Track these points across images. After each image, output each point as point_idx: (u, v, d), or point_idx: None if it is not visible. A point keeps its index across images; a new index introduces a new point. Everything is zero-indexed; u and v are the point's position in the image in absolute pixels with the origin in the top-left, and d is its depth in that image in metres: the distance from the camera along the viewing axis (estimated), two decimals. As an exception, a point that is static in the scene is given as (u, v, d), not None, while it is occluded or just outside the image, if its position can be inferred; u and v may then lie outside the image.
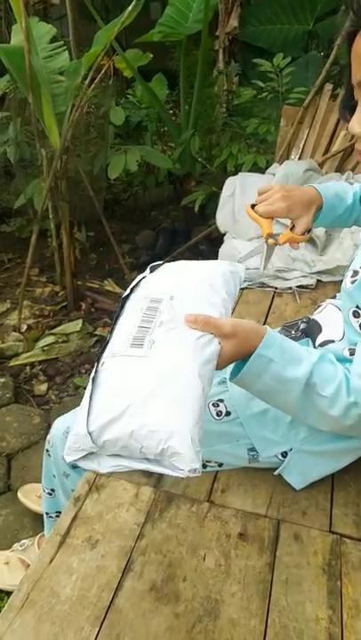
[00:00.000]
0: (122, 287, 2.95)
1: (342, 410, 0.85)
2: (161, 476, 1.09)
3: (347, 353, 0.96)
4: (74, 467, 1.17)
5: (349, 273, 0.95)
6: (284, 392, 0.86)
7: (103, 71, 2.34)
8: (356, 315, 0.90)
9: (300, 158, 2.59)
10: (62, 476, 1.20)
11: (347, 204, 1.14)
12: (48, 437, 1.20)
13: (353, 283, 0.91)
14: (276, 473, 1.05)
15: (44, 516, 1.35)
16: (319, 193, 1.10)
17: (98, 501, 1.04)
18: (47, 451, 1.22)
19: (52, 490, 1.27)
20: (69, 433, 0.75)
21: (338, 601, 0.88)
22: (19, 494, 1.64)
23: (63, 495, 1.25)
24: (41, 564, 0.92)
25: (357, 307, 0.90)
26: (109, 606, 0.86)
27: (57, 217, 2.58)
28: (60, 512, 1.30)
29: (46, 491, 1.29)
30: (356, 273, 0.92)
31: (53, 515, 1.32)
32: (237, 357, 0.85)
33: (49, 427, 1.95)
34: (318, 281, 1.91)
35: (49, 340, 2.47)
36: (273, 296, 1.85)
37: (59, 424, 1.16)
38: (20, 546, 1.44)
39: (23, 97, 2.38)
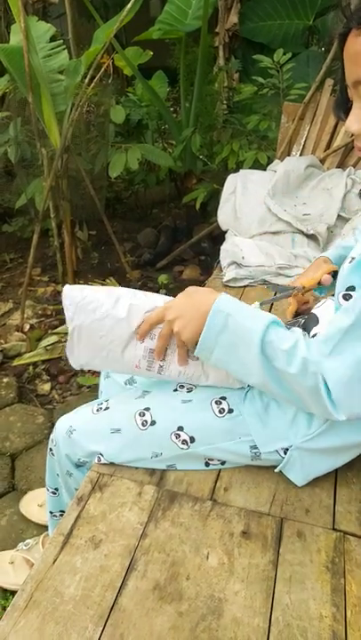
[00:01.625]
0: (124, 285, 2.94)
1: (300, 365, 0.85)
2: (164, 475, 1.10)
3: None
4: (77, 465, 1.17)
5: (348, 259, 0.94)
6: (244, 348, 0.89)
7: (103, 69, 2.34)
8: (346, 298, 0.88)
9: (301, 154, 2.58)
10: (66, 475, 1.21)
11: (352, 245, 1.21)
12: (51, 436, 1.20)
13: (350, 263, 0.90)
14: (276, 470, 1.05)
15: (48, 515, 1.35)
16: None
17: (101, 501, 1.04)
18: (50, 450, 1.22)
19: (56, 489, 1.28)
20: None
21: (342, 599, 0.88)
22: (20, 505, 1.64)
23: (67, 494, 1.25)
24: (44, 564, 0.92)
25: (348, 288, 0.87)
26: (113, 606, 0.86)
27: (58, 216, 2.58)
28: (63, 511, 1.30)
29: (50, 490, 1.29)
30: (353, 259, 0.91)
31: (57, 514, 1.32)
32: (192, 311, 0.93)
33: (52, 426, 1.96)
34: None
35: (52, 339, 2.47)
36: (275, 293, 1.84)
37: (62, 423, 1.16)
38: (25, 545, 1.45)
39: (23, 96, 2.38)
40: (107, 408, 1.12)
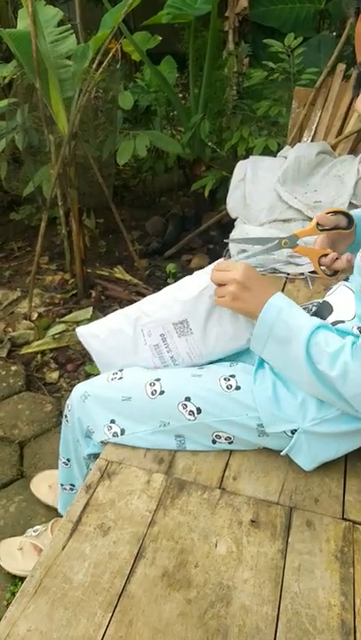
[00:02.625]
0: (131, 274, 2.94)
1: (341, 370, 0.88)
2: (172, 463, 1.10)
3: (356, 330, 0.96)
4: (86, 435, 1.20)
5: None
6: (292, 345, 0.93)
7: (111, 55, 2.31)
8: None
9: (312, 140, 2.55)
10: (76, 443, 1.24)
11: None
12: (67, 402, 1.23)
13: None
14: (283, 453, 1.05)
15: (59, 487, 1.38)
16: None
17: (110, 488, 1.04)
18: (65, 416, 1.25)
19: (68, 459, 1.31)
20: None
21: (350, 588, 0.88)
22: (32, 483, 1.66)
23: (76, 465, 1.28)
24: (53, 550, 0.92)
25: None
26: (122, 592, 0.86)
27: (66, 204, 2.57)
28: (73, 485, 1.32)
29: (62, 460, 1.33)
30: None
31: (67, 487, 1.35)
32: (246, 296, 0.98)
33: (61, 414, 1.97)
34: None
35: (60, 327, 2.47)
36: (285, 282, 1.83)
37: (78, 389, 1.19)
38: (34, 532, 1.46)
39: (30, 82, 2.36)
40: (120, 377, 1.15)
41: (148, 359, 1.14)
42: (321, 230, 1.10)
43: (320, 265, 1.10)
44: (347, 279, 1.17)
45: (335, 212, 1.11)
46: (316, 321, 0.95)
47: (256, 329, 0.99)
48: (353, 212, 1.15)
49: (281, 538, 0.95)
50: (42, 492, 1.63)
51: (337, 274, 1.11)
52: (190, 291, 1.10)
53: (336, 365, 0.89)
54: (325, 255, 1.09)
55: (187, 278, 1.15)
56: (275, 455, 1.09)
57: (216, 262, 1.07)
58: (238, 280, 0.98)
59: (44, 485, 1.64)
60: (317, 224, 1.10)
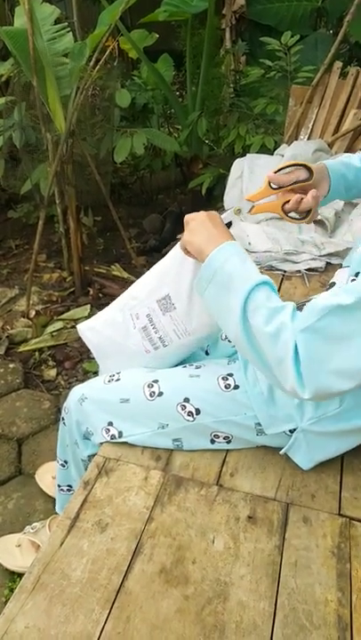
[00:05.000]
0: (129, 272, 2.94)
1: (276, 328, 0.82)
2: (170, 460, 1.10)
3: None
4: (84, 437, 1.19)
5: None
6: (232, 293, 0.87)
7: (108, 52, 2.31)
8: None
9: (309, 138, 2.55)
10: (74, 445, 1.24)
11: (356, 167, 1.13)
12: (64, 405, 1.23)
13: None
14: (282, 452, 1.06)
15: (56, 488, 1.38)
16: (324, 164, 1.09)
17: (107, 485, 1.04)
18: (63, 419, 1.25)
19: (65, 462, 1.30)
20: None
21: (347, 583, 0.88)
22: (37, 474, 1.68)
23: (74, 466, 1.28)
24: (51, 546, 0.93)
25: (357, 273, 0.85)
26: (119, 589, 0.87)
27: (63, 202, 2.57)
28: (70, 486, 1.32)
29: (60, 462, 1.32)
30: None
31: (65, 488, 1.35)
32: (205, 235, 0.95)
33: (59, 411, 1.97)
34: (328, 263, 1.89)
35: (57, 325, 2.47)
36: (282, 279, 1.84)
37: (75, 391, 1.19)
38: (32, 528, 1.46)
39: (28, 80, 2.35)
40: (118, 379, 1.15)
41: (139, 343, 1.15)
42: (276, 189, 1.06)
43: (286, 213, 1.06)
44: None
45: (295, 166, 1.06)
46: (265, 277, 0.89)
47: (202, 269, 0.93)
48: (327, 162, 1.11)
49: (278, 534, 0.96)
50: (46, 483, 1.64)
51: (309, 215, 1.06)
52: (168, 261, 1.12)
53: (272, 322, 0.82)
54: (288, 202, 1.04)
55: (166, 257, 1.14)
56: (272, 452, 1.10)
57: None
58: (201, 217, 0.97)
59: (49, 476, 1.65)
60: (269, 183, 1.05)
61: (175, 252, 1.09)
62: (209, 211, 0.99)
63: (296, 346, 0.80)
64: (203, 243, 0.94)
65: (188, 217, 1.01)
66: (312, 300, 0.87)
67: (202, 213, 0.98)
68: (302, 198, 1.03)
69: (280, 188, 1.05)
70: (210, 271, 0.91)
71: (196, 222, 0.97)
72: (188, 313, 1.09)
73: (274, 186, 1.05)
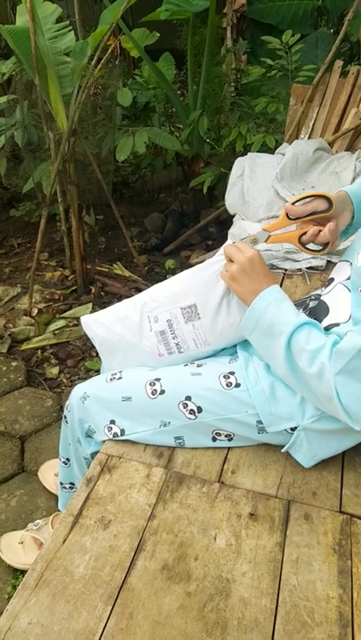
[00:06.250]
0: (131, 270, 2.95)
1: (318, 369, 0.89)
2: (172, 457, 1.11)
3: None
4: (86, 435, 1.20)
5: None
6: (275, 338, 0.95)
7: (109, 51, 2.31)
8: None
9: (309, 137, 2.55)
10: (76, 443, 1.24)
11: None
12: (67, 403, 1.24)
13: None
14: (283, 450, 1.06)
15: (58, 486, 1.39)
16: (346, 191, 1.10)
17: (110, 482, 1.05)
18: (65, 417, 1.26)
19: (67, 459, 1.31)
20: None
21: (348, 580, 0.89)
22: (39, 471, 1.69)
23: (76, 464, 1.29)
24: (54, 543, 0.93)
25: None
26: (122, 585, 0.87)
27: (65, 201, 2.57)
28: (73, 483, 1.33)
29: (62, 460, 1.33)
30: None
31: (67, 485, 1.36)
32: (247, 279, 1.00)
33: (61, 409, 1.98)
34: (328, 262, 1.89)
35: (60, 323, 2.48)
36: (283, 278, 1.84)
37: (77, 390, 1.20)
38: (35, 526, 1.47)
39: (29, 79, 2.35)
40: (120, 378, 1.15)
41: (153, 346, 1.15)
42: (294, 220, 1.06)
43: (303, 245, 1.06)
44: (348, 278, 1.17)
45: (314, 197, 1.05)
46: (302, 318, 0.95)
47: (245, 317, 1.01)
48: (348, 189, 1.10)
49: (279, 531, 0.96)
50: (48, 481, 1.65)
51: (327, 247, 1.06)
52: (198, 273, 1.11)
53: (314, 364, 0.90)
54: (305, 234, 1.05)
55: (196, 267, 1.15)
56: (273, 449, 1.10)
57: (237, 241, 1.07)
58: (242, 262, 1.00)
59: (51, 474, 1.66)
60: (287, 214, 1.05)
61: (208, 267, 1.10)
62: (249, 254, 1.01)
63: (336, 389, 0.88)
64: (245, 293, 1.01)
65: (228, 252, 1.04)
66: (344, 338, 0.91)
67: (243, 257, 1.01)
68: (320, 230, 1.04)
69: (298, 218, 1.06)
70: (252, 320, 0.99)
71: (238, 269, 1.01)
72: (212, 325, 1.11)
73: (292, 216, 1.06)
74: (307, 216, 1.05)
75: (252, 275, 1.00)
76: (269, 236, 1.07)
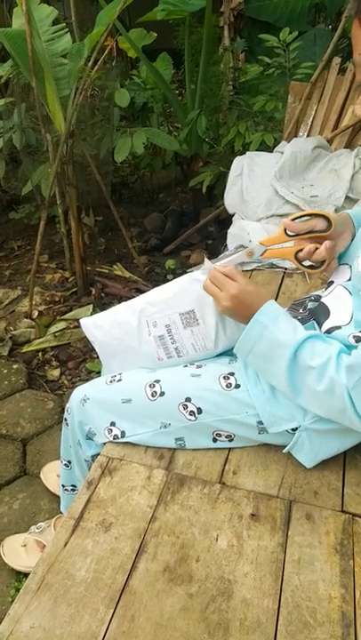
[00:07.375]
0: (131, 271, 2.95)
1: (328, 385, 0.89)
2: (173, 459, 1.11)
3: (352, 340, 0.96)
4: (87, 437, 1.20)
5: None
6: (275, 362, 0.94)
7: (106, 52, 2.31)
8: None
9: (308, 135, 2.55)
10: (77, 445, 1.24)
11: None
12: (67, 406, 1.24)
13: None
14: (285, 451, 1.06)
15: (60, 488, 1.39)
16: (348, 214, 1.11)
17: (111, 485, 1.05)
18: (65, 420, 1.26)
19: (69, 462, 1.31)
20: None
21: (351, 580, 0.88)
22: (42, 472, 1.69)
23: (78, 467, 1.29)
24: (56, 547, 0.93)
25: None
26: (124, 588, 0.87)
27: (64, 202, 2.57)
28: (75, 486, 1.33)
29: (63, 462, 1.33)
30: None
31: (69, 488, 1.36)
32: (239, 310, 0.99)
33: (63, 411, 1.98)
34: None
35: (60, 325, 2.48)
36: (283, 277, 1.84)
37: (77, 392, 1.20)
38: (37, 528, 1.47)
39: (27, 82, 2.36)
40: (119, 380, 1.15)
41: (152, 350, 1.15)
42: (291, 237, 1.05)
43: (300, 262, 1.06)
44: (349, 279, 1.16)
45: (313, 215, 1.04)
46: (300, 335, 0.93)
47: (239, 341, 0.99)
48: (351, 212, 1.11)
49: (281, 531, 0.96)
50: (51, 482, 1.65)
51: (323, 265, 1.06)
52: (194, 285, 1.11)
53: (323, 380, 0.89)
54: (301, 250, 1.04)
55: (194, 274, 1.14)
56: (274, 449, 1.10)
57: (216, 264, 1.04)
58: (226, 304, 0.99)
59: (54, 475, 1.66)
60: (285, 230, 1.05)
61: (204, 274, 1.08)
62: (231, 291, 0.98)
63: (352, 399, 0.88)
64: (240, 320, 1.00)
65: (210, 292, 1.02)
66: (353, 352, 0.91)
67: (226, 298, 0.98)
68: (317, 248, 1.02)
69: (296, 235, 1.05)
70: (248, 345, 0.97)
71: (225, 310, 1.00)
72: (209, 331, 1.11)
73: (290, 233, 1.05)
74: (305, 234, 1.04)
75: (240, 307, 0.98)
76: (266, 250, 1.07)
